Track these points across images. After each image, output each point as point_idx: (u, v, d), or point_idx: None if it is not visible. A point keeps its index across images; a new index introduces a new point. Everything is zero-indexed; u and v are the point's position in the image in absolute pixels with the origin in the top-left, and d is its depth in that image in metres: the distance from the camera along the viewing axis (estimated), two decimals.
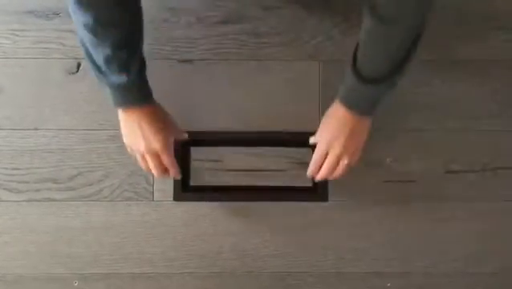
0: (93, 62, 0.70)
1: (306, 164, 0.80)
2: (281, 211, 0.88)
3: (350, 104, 0.73)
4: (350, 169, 0.78)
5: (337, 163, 0.76)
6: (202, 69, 0.88)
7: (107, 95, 0.73)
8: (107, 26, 0.66)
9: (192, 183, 0.87)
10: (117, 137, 0.87)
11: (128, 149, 0.79)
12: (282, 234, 0.88)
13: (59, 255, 0.87)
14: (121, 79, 0.70)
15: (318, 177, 0.79)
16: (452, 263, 0.89)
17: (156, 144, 0.75)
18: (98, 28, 0.65)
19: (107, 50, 0.67)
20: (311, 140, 0.80)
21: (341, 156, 0.76)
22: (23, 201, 0.87)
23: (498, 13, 0.89)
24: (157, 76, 0.86)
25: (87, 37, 0.67)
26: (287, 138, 0.87)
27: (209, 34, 0.87)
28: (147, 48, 0.85)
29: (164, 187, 0.87)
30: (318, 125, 0.87)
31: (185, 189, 0.87)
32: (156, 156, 0.77)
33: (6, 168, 0.87)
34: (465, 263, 0.89)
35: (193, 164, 0.87)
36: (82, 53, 0.85)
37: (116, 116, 0.87)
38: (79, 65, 0.88)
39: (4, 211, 0.87)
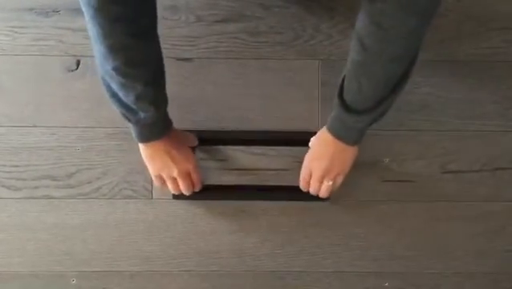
0: (120, 102, 0.71)
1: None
2: (280, 210, 0.88)
3: (335, 133, 0.75)
4: (336, 189, 0.81)
5: (320, 183, 0.80)
6: (202, 68, 0.88)
7: (131, 130, 0.75)
8: (137, 66, 0.67)
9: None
10: (116, 135, 0.88)
11: (156, 180, 0.81)
12: (280, 233, 0.88)
13: (57, 253, 0.87)
14: (150, 115, 0.71)
15: (311, 192, 0.83)
16: (450, 263, 0.89)
17: (189, 166, 0.80)
18: (128, 70, 0.66)
19: (138, 89, 0.68)
20: (311, 143, 0.83)
21: (322, 178, 0.79)
22: (21, 198, 0.87)
23: (497, 14, 0.89)
24: None
25: (115, 80, 0.67)
26: (290, 137, 0.87)
27: (208, 32, 0.88)
28: None
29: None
30: (317, 125, 0.88)
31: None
32: (188, 177, 0.81)
33: (5, 166, 0.87)
34: (464, 263, 0.89)
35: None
36: (81, 50, 0.87)
37: (115, 114, 0.87)
38: (78, 62, 0.88)
39: (2, 208, 0.87)
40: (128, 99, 0.69)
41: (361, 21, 0.62)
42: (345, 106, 0.70)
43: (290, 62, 0.88)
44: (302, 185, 0.83)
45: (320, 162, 0.78)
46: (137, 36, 0.64)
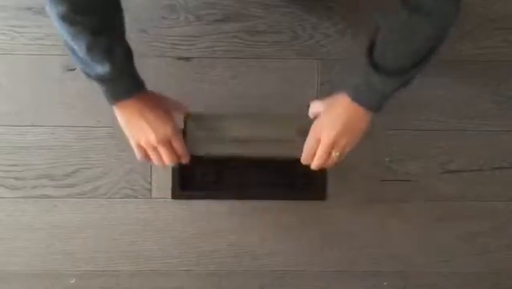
0: (76, 56, 0.68)
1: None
2: (279, 209, 0.88)
3: (357, 96, 0.69)
4: (342, 160, 0.75)
5: (328, 154, 0.73)
6: (200, 67, 0.88)
7: (102, 94, 0.70)
8: (83, 13, 0.64)
9: (192, 153, 0.79)
10: (115, 134, 0.87)
11: (137, 150, 0.74)
12: (280, 232, 0.88)
13: (56, 252, 0.87)
14: (106, 68, 0.66)
15: (312, 167, 0.76)
16: (449, 262, 0.89)
17: (167, 131, 0.72)
18: (75, 16, 0.64)
19: (87, 39, 0.65)
20: (309, 112, 0.77)
21: (331, 148, 0.73)
22: (20, 197, 0.87)
23: (498, 14, 0.89)
24: (155, 74, 0.86)
25: (65, 29, 0.65)
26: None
27: (207, 32, 0.87)
28: (145, 46, 0.86)
29: (162, 185, 0.87)
30: None
31: (183, 187, 0.87)
32: (169, 144, 0.73)
33: (3, 165, 0.87)
34: (463, 262, 0.89)
35: (195, 133, 0.80)
36: None
37: (113, 112, 0.87)
38: None
39: (1, 208, 0.87)
40: (81, 50, 0.66)
41: None
42: (374, 64, 0.66)
43: (289, 61, 0.88)
44: (306, 156, 0.75)
45: (331, 130, 0.71)
46: None
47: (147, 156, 0.74)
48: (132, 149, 0.79)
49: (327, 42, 0.88)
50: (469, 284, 0.89)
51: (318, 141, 0.73)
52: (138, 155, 0.74)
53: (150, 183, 0.87)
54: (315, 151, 0.74)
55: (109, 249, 0.87)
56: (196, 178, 0.88)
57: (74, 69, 0.87)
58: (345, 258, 0.89)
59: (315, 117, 0.75)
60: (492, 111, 0.89)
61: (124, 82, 0.69)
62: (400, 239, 0.89)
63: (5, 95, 0.87)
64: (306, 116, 0.77)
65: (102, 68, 0.67)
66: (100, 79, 0.68)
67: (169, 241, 0.88)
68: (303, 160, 0.76)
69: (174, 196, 0.86)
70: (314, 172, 0.87)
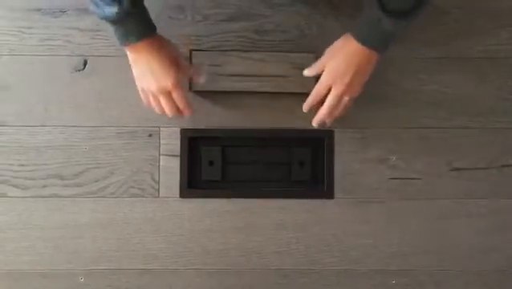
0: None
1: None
2: (287, 208, 0.88)
3: (367, 39, 0.72)
4: (348, 108, 0.78)
5: (339, 101, 0.76)
6: None
7: (113, 35, 0.73)
8: None
9: (192, 89, 0.84)
10: (123, 134, 0.88)
11: (141, 93, 0.79)
12: (287, 230, 0.88)
13: (65, 251, 0.88)
14: (113, 9, 0.68)
15: (318, 119, 0.79)
16: (457, 261, 0.89)
17: (168, 82, 0.75)
18: None
19: None
20: (306, 71, 0.79)
21: (344, 93, 0.75)
22: (30, 197, 0.88)
23: (504, 11, 0.89)
24: None
25: None
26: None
27: (215, 31, 0.88)
28: None
29: (170, 184, 0.87)
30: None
31: (191, 186, 0.88)
32: (169, 95, 0.76)
33: (13, 165, 0.88)
34: (471, 260, 0.89)
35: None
36: (88, 50, 0.88)
37: (122, 113, 0.88)
38: (85, 62, 0.88)
39: (11, 207, 0.87)
40: None
41: None
42: (387, 9, 0.68)
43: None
44: (311, 102, 0.79)
45: (344, 76, 0.74)
46: None
47: (150, 102, 0.78)
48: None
49: (333, 39, 0.88)
50: (477, 282, 0.89)
51: (327, 88, 0.76)
52: (143, 98, 0.78)
53: (158, 182, 0.88)
54: (322, 99, 0.76)
55: (118, 248, 0.88)
56: (203, 177, 0.88)
57: (82, 69, 0.88)
58: (353, 257, 0.89)
59: (310, 54, 0.80)
60: (499, 109, 0.89)
61: (133, 24, 0.72)
62: (408, 237, 0.89)
63: (14, 96, 0.88)
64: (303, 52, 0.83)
65: (109, 9, 0.69)
66: (109, 20, 0.70)
67: (177, 239, 0.88)
68: (306, 104, 0.79)
69: (182, 195, 0.87)
70: (322, 171, 0.87)
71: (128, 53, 0.76)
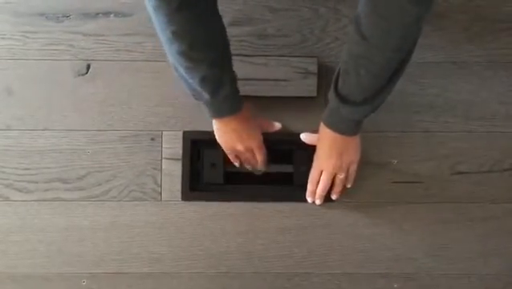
0: (188, 84, 0.74)
1: (310, 74, 0.84)
2: (288, 211, 0.89)
3: (334, 127, 0.75)
4: (353, 178, 0.83)
5: (330, 180, 0.81)
6: None
7: (204, 109, 0.77)
8: (201, 50, 0.68)
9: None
10: (126, 138, 0.88)
11: (226, 150, 0.84)
12: (288, 234, 0.89)
13: (68, 254, 0.88)
14: (215, 96, 0.73)
15: (317, 197, 0.84)
16: (458, 264, 0.89)
17: (253, 144, 0.82)
18: (192, 53, 0.68)
19: (201, 73, 0.70)
20: (302, 136, 0.85)
21: (334, 174, 0.80)
22: (33, 200, 0.88)
23: (506, 15, 0.89)
24: (164, 77, 0.87)
25: (181, 63, 0.69)
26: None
27: None
28: (156, 50, 0.87)
29: (172, 187, 0.88)
30: None
31: (193, 189, 0.88)
32: (252, 153, 0.83)
33: (16, 168, 0.88)
34: (472, 264, 0.89)
35: None
36: (91, 54, 0.88)
37: (125, 117, 0.88)
38: (88, 66, 0.89)
39: (14, 211, 0.88)
40: (194, 81, 0.71)
41: (361, 10, 0.62)
42: (342, 99, 0.71)
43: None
44: (311, 187, 0.84)
45: (329, 160, 0.79)
46: (198, 19, 0.66)
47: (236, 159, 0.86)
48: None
49: (335, 44, 0.88)
50: (479, 286, 0.89)
51: (321, 173, 0.82)
52: (230, 156, 0.85)
53: (160, 186, 0.88)
54: (319, 181, 0.82)
55: (120, 251, 0.88)
56: (205, 180, 0.89)
57: (85, 74, 0.89)
58: (355, 260, 0.89)
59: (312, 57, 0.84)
60: (501, 113, 0.89)
61: (228, 105, 0.76)
62: (410, 241, 0.89)
63: (18, 100, 0.88)
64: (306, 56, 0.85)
65: (211, 96, 0.73)
66: (206, 103, 0.75)
67: (179, 243, 0.88)
68: (308, 194, 0.85)
69: (184, 198, 0.87)
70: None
71: (216, 124, 0.81)
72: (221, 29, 0.72)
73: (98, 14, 0.88)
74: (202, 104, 0.76)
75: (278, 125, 0.86)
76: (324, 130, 0.77)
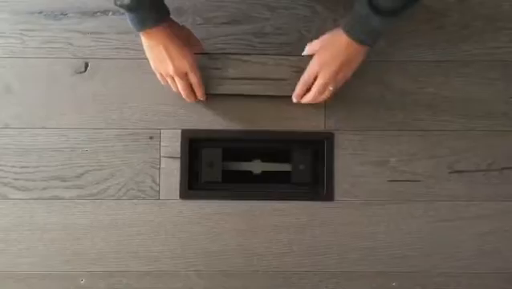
0: None
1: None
2: (287, 210, 0.89)
3: (355, 35, 0.74)
4: (334, 93, 0.80)
5: (323, 90, 0.79)
6: None
7: (128, 22, 0.74)
8: None
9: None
10: (124, 136, 0.88)
11: (157, 74, 0.80)
12: (287, 232, 0.89)
13: (66, 253, 0.88)
14: None
15: (304, 100, 0.82)
16: (456, 263, 0.89)
17: (185, 65, 0.77)
18: None
19: None
20: (305, 51, 0.82)
21: (329, 82, 0.78)
22: (31, 199, 0.88)
23: (503, 14, 0.89)
24: None
25: None
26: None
27: (215, 34, 0.88)
28: None
29: (171, 186, 0.88)
30: (322, 125, 0.88)
31: (191, 188, 0.88)
32: (185, 77, 0.79)
33: (14, 167, 0.88)
34: (470, 263, 0.89)
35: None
36: (89, 53, 0.88)
37: (123, 115, 0.88)
38: (86, 65, 0.89)
39: (12, 209, 0.88)
40: None
41: None
42: (373, 6, 0.70)
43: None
44: (300, 91, 0.81)
45: (330, 66, 0.77)
46: None
47: (168, 83, 0.80)
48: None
49: None
50: (478, 285, 0.89)
51: (314, 77, 0.79)
52: (160, 80, 0.81)
53: (158, 184, 0.88)
54: (309, 87, 0.79)
55: (118, 250, 0.88)
56: (203, 179, 0.89)
57: (83, 72, 0.89)
58: (353, 259, 0.89)
59: (310, 56, 0.80)
60: (499, 111, 0.89)
61: (148, 12, 0.72)
62: (409, 239, 0.89)
63: (16, 98, 0.88)
64: (302, 56, 0.82)
65: None
66: (126, 8, 0.71)
67: (178, 241, 0.88)
68: (295, 95, 0.82)
69: (182, 196, 0.87)
70: (322, 173, 0.88)
71: (143, 39, 0.77)
72: None
73: (96, 12, 0.88)
74: (127, 16, 0.73)
75: (203, 45, 0.83)
76: (340, 36, 0.75)
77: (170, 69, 0.77)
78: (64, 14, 0.89)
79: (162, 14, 0.75)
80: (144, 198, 0.88)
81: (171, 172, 0.88)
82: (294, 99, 0.83)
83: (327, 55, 0.77)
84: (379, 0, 0.70)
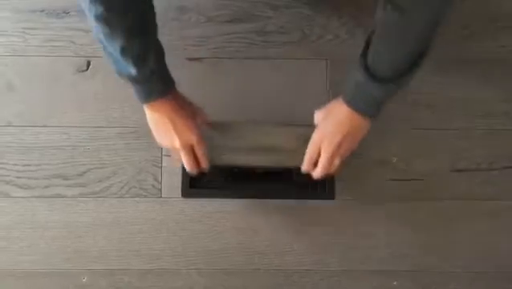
0: (111, 55, 0.68)
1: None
2: (288, 209, 0.89)
3: (356, 105, 0.70)
4: (343, 165, 0.76)
5: (330, 162, 0.74)
6: (211, 67, 0.89)
7: (134, 93, 0.71)
8: (119, 13, 0.64)
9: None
10: (126, 134, 0.88)
11: (161, 146, 0.78)
12: (288, 231, 0.89)
13: (68, 251, 0.88)
14: (138, 70, 0.67)
15: (314, 176, 0.77)
16: (458, 262, 0.89)
17: (192, 138, 0.74)
18: (110, 17, 0.63)
19: (122, 40, 0.65)
20: (315, 121, 0.78)
21: (333, 156, 0.73)
22: (33, 197, 0.88)
23: (503, 14, 0.90)
24: None
25: (100, 29, 0.65)
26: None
27: (218, 32, 0.88)
28: None
29: (172, 184, 0.88)
30: None
31: (193, 186, 0.88)
32: (191, 150, 0.75)
33: (17, 165, 0.88)
34: (471, 262, 0.89)
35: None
36: (91, 51, 0.88)
37: (125, 113, 0.88)
38: (88, 63, 0.89)
39: (14, 207, 0.88)
40: (115, 51, 0.66)
41: None
42: (370, 74, 0.67)
43: (298, 61, 0.89)
44: (308, 164, 0.76)
45: (333, 138, 0.72)
46: None
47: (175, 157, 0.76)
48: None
49: (336, 42, 0.89)
50: (479, 284, 0.89)
51: (319, 150, 0.74)
52: (166, 150, 0.78)
53: (160, 182, 0.88)
54: (317, 159, 0.75)
55: (120, 248, 0.88)
56: (205, 177, 0.89)
57: (85, 70, 0.89)
58: (354, 257, 0.89)
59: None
60: (500, 110, 0.89)
61: (155, 84, 0.70)
62: (410, 238, 0.89)
63: (18, 97, 0.88)
64: (310, 125, 0.77)
65: (134, 70, 0.67)
66: (132, 80, 0.69)
67: (179, 239, 0.88)
68: (304, 168, 0.77)
69: (184, 195, 0.87)
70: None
71: (147, 112, 0.74)
72: None
73: None
74: (131, 86, 0.70)
75: (206, 115, 0.79)
76: (340, 106, 0.71)
77: (176, 143, 0.73)
78: (66, 13, 0.89)
79: (168, 86, 0.72)
80: (145, 196, 0.88)
81: (173, 171, 0.88)
82: (304, 171, 0.78)
83: (328, 127, 0.73)
84: (376, 67, 0.66)
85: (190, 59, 0.88)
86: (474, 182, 0.89)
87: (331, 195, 0.87)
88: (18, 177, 0.88)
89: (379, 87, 0.67)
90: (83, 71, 0.89)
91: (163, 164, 0.88)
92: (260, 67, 0.89)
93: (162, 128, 0.74)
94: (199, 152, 0.75)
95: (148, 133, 0.87)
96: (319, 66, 0.89)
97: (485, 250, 0.89)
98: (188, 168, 0.76)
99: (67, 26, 0.89)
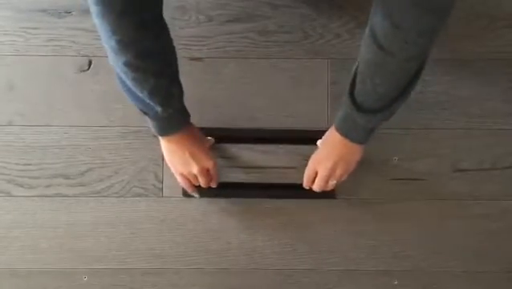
0: (136, 97, 0.71)
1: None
2: (289, 208, 0.89)
3: (344, 132, 0.74)
4: (341, 183, 0.81)
5: (325, 182, 0.80)
6: (212, 67, 0.89)
7: (149, 126, 0.75)
8: (148, 58, 0.66)
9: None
10: (127, 134, 0.89)
11: (177, 176, 0.82)
12: (289, 231, 0.89)
13: (69, 250, 0.88)
14: (164, 109, 0.71)
15: (314, 190, 0.83)
16: (459, 261, 0.89)
17: (209, 163, 0.80)
18: (138, 63, 0.66)
19: (151, 83, 0.68)
20: (318, 143, 0.83)
21: (328, 177, 0.79)
22: (34, 196, 0.88)
23: (506, 12, 0.89)
24: None
25: (129, 76, 0.67)
26: (298, 135, 0.87)
27: (218, 32, 0.88)
28: None
29: (174, 183, 0.88)
30: (326, 123, 0.88)
31: (194, 186, 0.88)
32: (207, 174, 0.81)
33: (18, 164, 0.88)
34: (473, 262, 0.89)
35: None
36: (93, 51, 0.88)
37: (126, 113, 0.88)
38: (90, 62, 0.89)
39: (15, 206, 0.88)
40: (143, 94, 0.69)
41: (375, 20, 0.61)
42: (357, 105, 0.69)
43: (299, 61, 0.89)
44: (306, 184, 0.83)
45: (326, 163, 0.78)
46: (144, 28, 0.64)
47: (185, 181, 0.82)
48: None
49: (337, 41, 0.88)
50: (480, 284, 0.89)
51: (316, 172, 0.80)
52: (180, 181, 0.82)
53: (161, 182, 0.88)
54: (314, 179, 0.81)
55: (121, 247, 0.88)
56: None
57: (87, 70, 0.89)
58: (355, 257, 0.89)
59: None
60: (502, 110, 0.89)
61: (174, 119, 0.74)
62: (411, 238, 0.89)
63: (19, 96, 0.89)
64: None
65: (160, 109, 0.71)
66: (157, 118, 0.73)
67: (180, 239, 0.88)
68: (304, 186, 0.84)
69: (185, 194, 0.87)
70: None
71: (164, 143, 0.78)
72: (167, 38, 0.70)
73: None
74: (150, 121, 0.74)
75: (211, 140, 0.86)
76: (334, 133, 0.76)
77: (195, 170, 0.79)
78: (68, 12, 0.89)
79: (186, 120, 0.76)
80: (147, 196, 0.88)
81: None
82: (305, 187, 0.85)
83: (322, 153, 0.79)
84: (362, 99, 0.69)
85: (190, 59, 0.88)
86: (476, 182, 0.89)
87: (331, 195, 0.87)
88: (19, 177, 0.88)
89: (367, 117, 0.70)
90: (84, 70, 0.89)
91: (164, 164, 0.88)
92: (261, 67, 0.89)
93: (180, 158, 0.79)
94: (214, 175, 0.82)
95: (148, 132, 0.88)
96: (320, 66, 0.88)
97: (487, 249, 0.89)
98: (204, 185, 0.82)
99: (68, 26, 0.89)
